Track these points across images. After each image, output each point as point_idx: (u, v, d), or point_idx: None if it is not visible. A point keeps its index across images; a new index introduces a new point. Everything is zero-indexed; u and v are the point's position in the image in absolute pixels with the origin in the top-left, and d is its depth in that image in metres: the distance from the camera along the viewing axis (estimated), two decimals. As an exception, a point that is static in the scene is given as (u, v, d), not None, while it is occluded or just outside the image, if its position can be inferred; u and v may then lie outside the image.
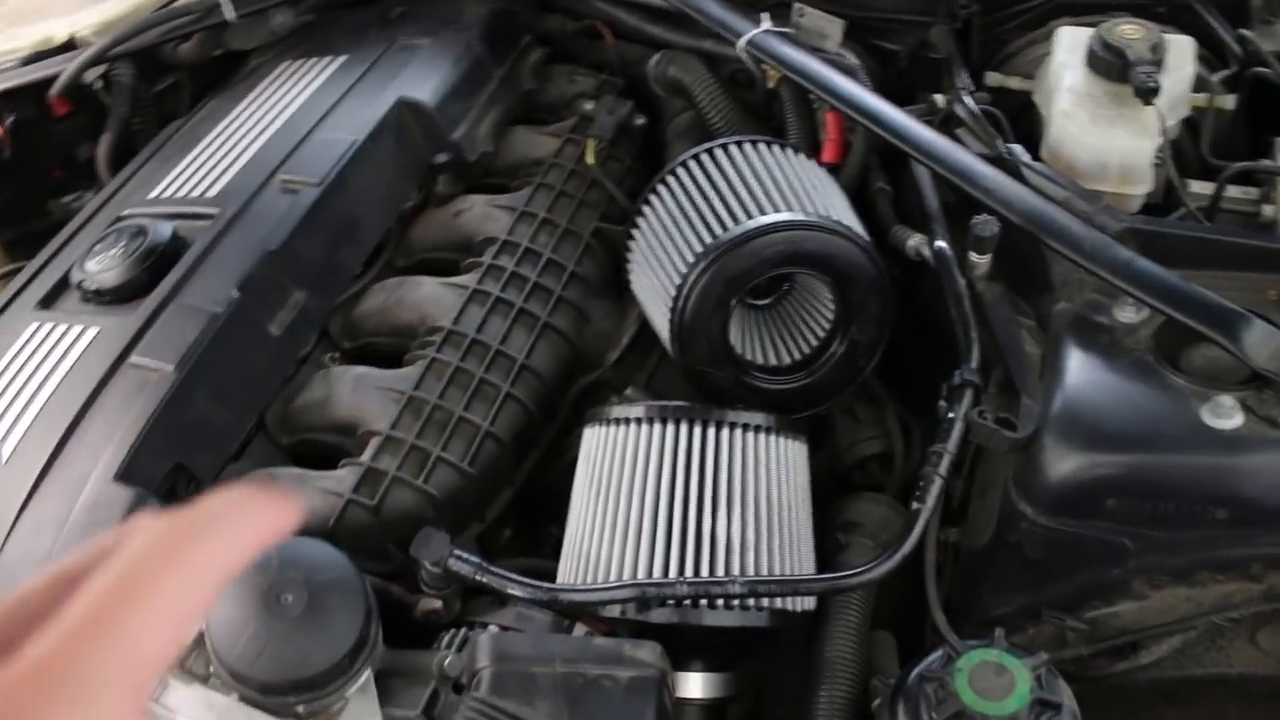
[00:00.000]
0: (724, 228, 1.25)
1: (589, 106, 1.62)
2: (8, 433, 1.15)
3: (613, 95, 1.65)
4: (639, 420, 1.20)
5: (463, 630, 1.05)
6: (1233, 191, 1.31)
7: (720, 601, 1.10)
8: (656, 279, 1.32)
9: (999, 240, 1.23)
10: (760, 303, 1.38)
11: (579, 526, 1.19)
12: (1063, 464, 1.07)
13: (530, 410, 1.33)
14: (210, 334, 1.19)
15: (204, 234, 1.30)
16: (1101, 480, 1.06)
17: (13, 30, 1.68)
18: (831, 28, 1.49)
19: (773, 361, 1.34)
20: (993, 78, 1.46)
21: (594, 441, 1.24)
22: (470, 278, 1.39)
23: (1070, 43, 1.35)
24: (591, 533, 1.17)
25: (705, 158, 1.35)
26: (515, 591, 1.09)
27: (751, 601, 1.11)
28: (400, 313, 1.38)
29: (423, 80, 1.51)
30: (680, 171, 1.35)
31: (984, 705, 0.94)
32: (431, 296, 1.38)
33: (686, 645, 1.11)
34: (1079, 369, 1.11)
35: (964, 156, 1.23)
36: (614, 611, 1.09)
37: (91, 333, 1.22)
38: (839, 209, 1.30)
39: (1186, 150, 1.35)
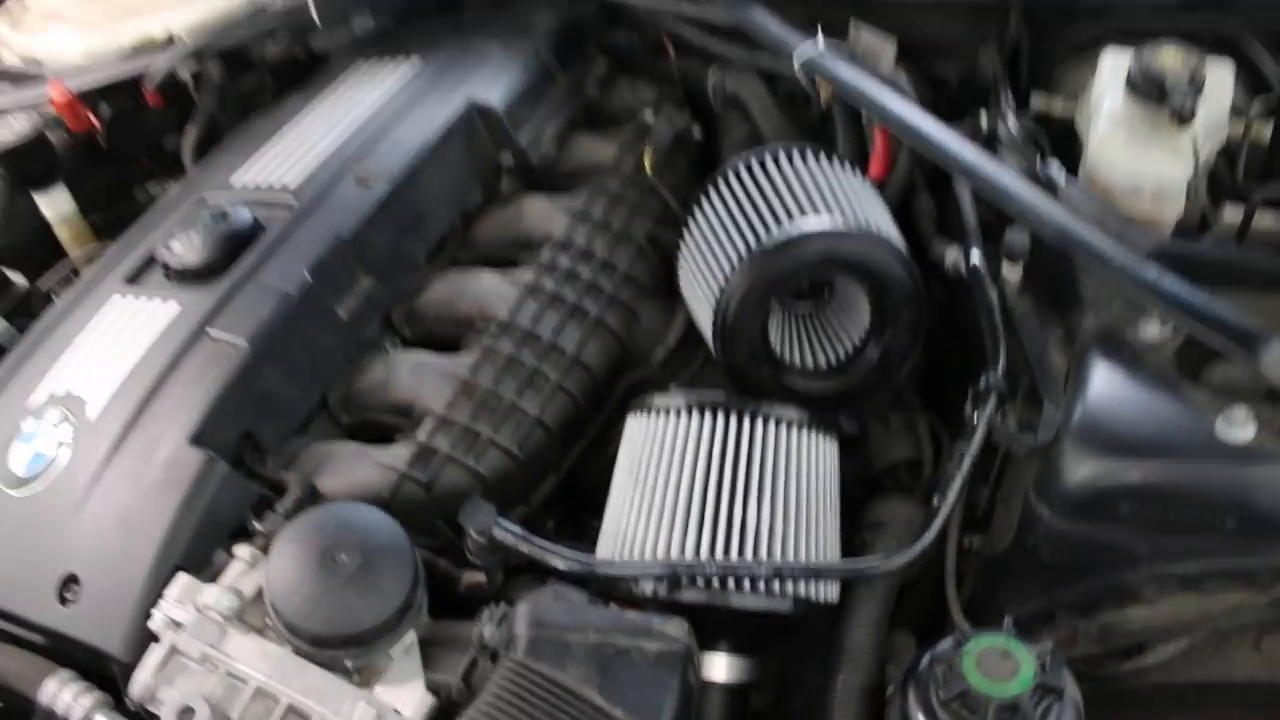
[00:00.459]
0: (768, 232, 1.30)
1: (648, 116, 1.67)
2: (95, 395, 1.22)
3: (672, 106, 1.70)
4: (679, 410, 1.26)
5: (503, 605, 1.09)
6: (1266, 216, 1.32)
7: (747, 584, 1.15)
8: (703, 279, 1.37)
9: (1032, 257, 1.26)
10: (800, 308, 1.42)
11: (618, 507, 1.25)
12: (1080, 469, 1.11)
13: (579, 402, 1.39)
14: (282, 313, 1.25)
15: (280, 220, 1.36)
16: (1116, 486, 1.10)
17: (114, 26, 1.76)
18: (886, 50, 1.51)
19: (810, 363, 1.39)
20: (1038, 99, 1.48)
21: (636, 429, 1.30)
22: (528, 274, 1.44)
23: (1113, 66, 1.36)
24: (629, 514, 1.22)
25: (754, 164, 1.39)
26: (555, 562, 1.15)
27: (776, 586, 1.15)
28: (460, 304, 1.43)
29: (492, 84, 1.56)
30: (729, 177, 1.40)
31: (988, 686, 0.97)
32: (490, 290, 1.43)
33: (713, 626, 1.16)
34: (1102, 380, 1.15)
35: (1001, 173, 1.26)
36: (647, 587, 1.14)
37: (173, 307, 1.28)
38: (879, 219, 1.34)
39: (1223, 175, 1.36)
